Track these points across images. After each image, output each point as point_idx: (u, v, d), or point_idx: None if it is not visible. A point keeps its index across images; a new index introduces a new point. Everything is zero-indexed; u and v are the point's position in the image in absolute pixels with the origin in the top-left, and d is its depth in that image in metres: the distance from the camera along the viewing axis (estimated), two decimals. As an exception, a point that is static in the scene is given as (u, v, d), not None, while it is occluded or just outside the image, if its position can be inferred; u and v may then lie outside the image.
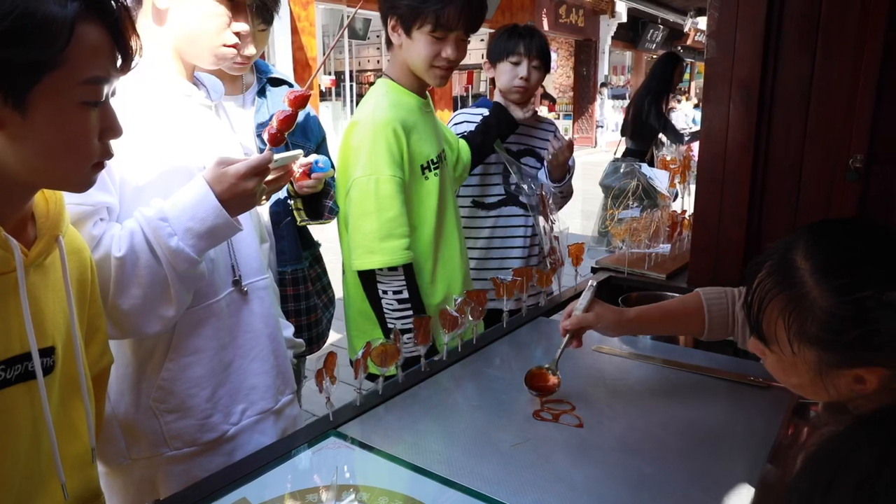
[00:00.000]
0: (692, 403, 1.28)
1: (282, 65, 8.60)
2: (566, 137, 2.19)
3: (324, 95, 10.84)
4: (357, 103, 11.19)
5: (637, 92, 4.59)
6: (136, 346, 1.20)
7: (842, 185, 1.77)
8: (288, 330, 1.53)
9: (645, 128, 4.29)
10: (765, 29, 1.78)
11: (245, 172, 1.11)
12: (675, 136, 4.14)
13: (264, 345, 1.34)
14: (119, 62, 0.81)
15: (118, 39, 0.80)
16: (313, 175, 1.53)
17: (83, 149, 0.80)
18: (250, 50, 1.64)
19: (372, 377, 1.36)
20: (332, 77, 11.03)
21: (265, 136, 1.20)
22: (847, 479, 0.44)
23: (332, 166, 1.66)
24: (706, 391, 1.33)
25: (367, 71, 13.76)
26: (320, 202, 1.71)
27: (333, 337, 2.30)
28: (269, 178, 1.19)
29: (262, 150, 1.16)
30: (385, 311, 1.67)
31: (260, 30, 1.76)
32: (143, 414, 1.21)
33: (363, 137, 1.63)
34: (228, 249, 1.27)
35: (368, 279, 1.67)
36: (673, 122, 4.48)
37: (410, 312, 1.64)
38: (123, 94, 0.93)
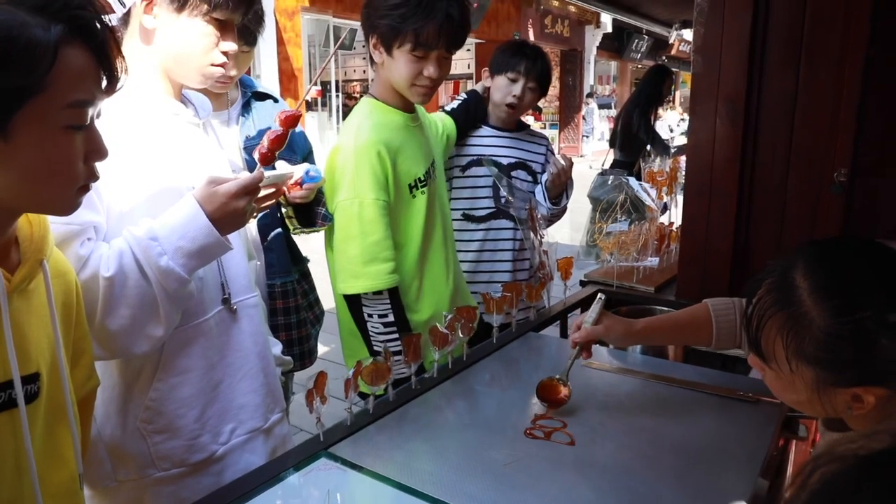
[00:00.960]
0: (683, 419, 1.28)
1: (268, 75, 8.59)
2: (566, 157, 2.20)
3: (310, 106, 10.82)
4: (343, 114, 11.17)
5: (626, 104, 4.62)
6: (124, 367, 1.19)
7: (827, 198, 1.79)
8: (276, 347, 1.52)
9: (633, 139, 4.32)
10: (750, 45, 1.80)
11: (236, 192, 1.10)
12: (663, 149, 4.17)
13: (253, 363, 1.33)
14: (104, 84, 0.80)
15: (103, 61, 0.79)
16: (305, 185, 1.52)
17: (68, 173, 0.79)
18: (233, 72, 1.63)
19: (363, 394, 1.35)
20: (318, 88, 11.01)
21: (256, 156, 1.19)
22: None
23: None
24: (696, 406, 1.34)
25: (353, 81, 13.75)
26: (312, 210, 1.70)
27: (321, 350, 2.29)
28: (260, 195, 1.19)
29: (248, 164, 1.15)
30: (370, 334, 1.66)
31: (243, 52, 1.75)
32: (131, 435, 1.20)
33: (346, 161, 1.62)
34: (218, 267, 1.26)
35: (354, 303, 1.66)
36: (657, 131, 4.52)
37: (396, 336, 1.63)
38: (111, 114, 0.92)
